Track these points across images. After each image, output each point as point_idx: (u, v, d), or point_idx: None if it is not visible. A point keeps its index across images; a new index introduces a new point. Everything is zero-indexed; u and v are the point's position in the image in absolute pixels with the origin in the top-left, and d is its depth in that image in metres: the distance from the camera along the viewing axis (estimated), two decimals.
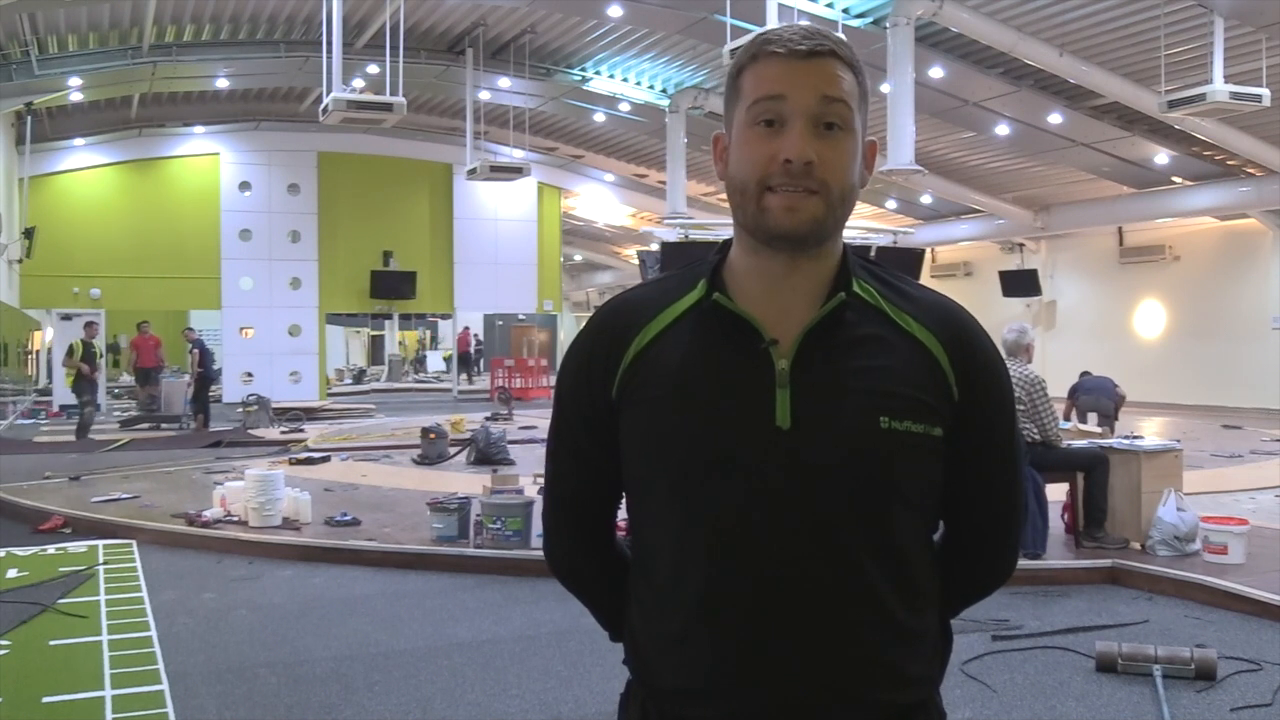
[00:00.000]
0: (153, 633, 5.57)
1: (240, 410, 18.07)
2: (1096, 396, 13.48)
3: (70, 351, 15.47)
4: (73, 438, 14.83)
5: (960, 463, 1.36)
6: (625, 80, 18.91)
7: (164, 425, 16.98)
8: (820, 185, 1.27)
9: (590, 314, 1.50)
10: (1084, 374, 14.25)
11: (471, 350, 33.97)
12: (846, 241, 1.39)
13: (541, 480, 1.62)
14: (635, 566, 1.43)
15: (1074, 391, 13.61)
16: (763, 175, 1.28)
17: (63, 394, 19.72)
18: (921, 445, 1.30)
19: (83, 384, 15.37)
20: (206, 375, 17.09)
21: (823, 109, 1.28)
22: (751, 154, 1.29)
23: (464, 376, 31.02)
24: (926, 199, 22.66)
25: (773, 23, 10.80)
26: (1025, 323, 8.03)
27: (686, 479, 1.31)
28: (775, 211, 1.28)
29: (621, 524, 1.46)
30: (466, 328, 34.26)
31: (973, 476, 1.38)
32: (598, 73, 18.67)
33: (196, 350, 16.91)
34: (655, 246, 18.63)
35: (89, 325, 16.17)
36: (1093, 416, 13.40)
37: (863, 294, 1.34)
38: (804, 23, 1.33)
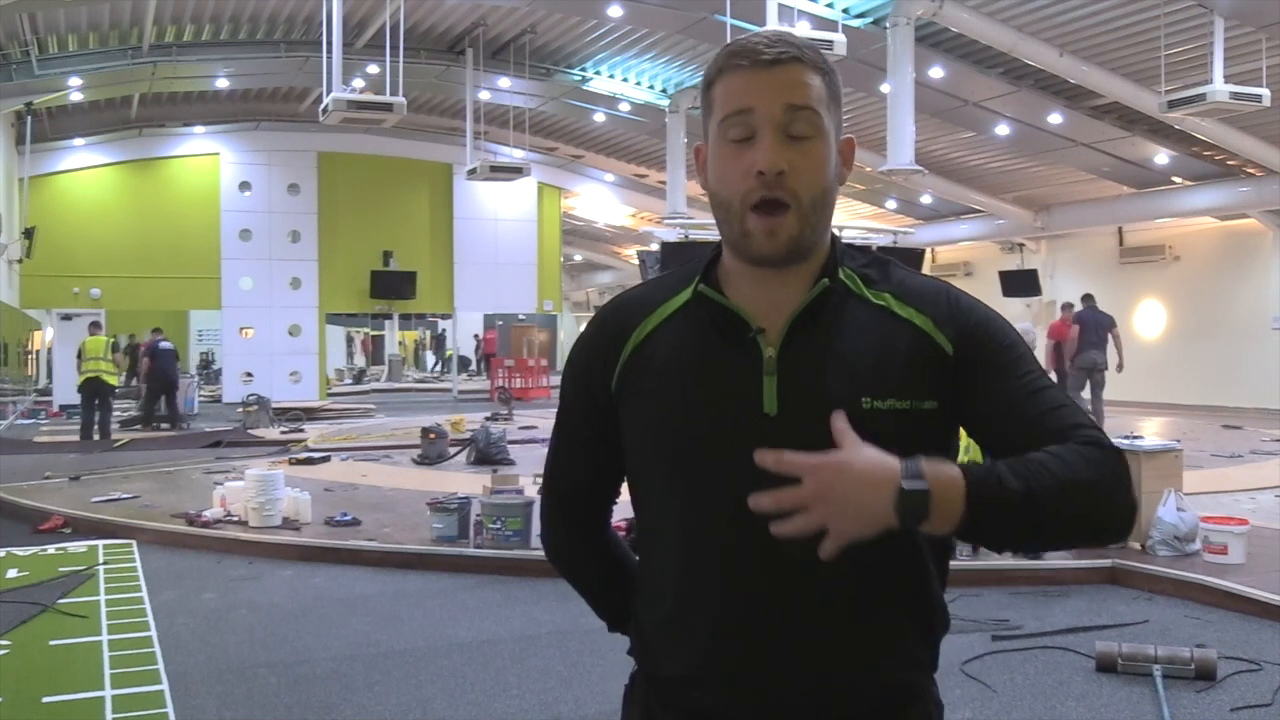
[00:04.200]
0: (153, 633, 5.57)
1: (240, 410, 18.07)
2: (1087, 353, 13.80)
3: (116, 347, 15.38)
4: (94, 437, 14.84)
5: (991, 397, 1.32)
6: (625, 80, 18.90)
7: (163, 426, 16.97)
8: (792, 196, 1.30)
9: (591, 314, 1.53)
10: (1065, 307, 14.61)
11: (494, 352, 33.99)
12: (847, 242, 1.42)
13: (542, 480, 1.64)
14: (640, 557, 1.48)
15: (1079, 323, 14.01)
16: (743, 193, 1.31)
17: (63, 394, 19.71)
18: (908, 420, 1.31)
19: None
20: (168, 379, 16.92)
21: (790, 118, 1.30)
22: (728, 172, 1.32)
23: (467, 375, 31.04)
24: (926, 199, 22.66)
25: (773, 22, 10.80)
26: (1029, 324, 8.06)
27: (681, 468, 1.35)
28: (757, 235, 1.31)
29: (622, 523, 1.48)
30: (492, 329, 34.37)
31: (1009, 400, 1.31)
32: (598, 73, 18.66)
33: (147, 359, 16.88)
34: (655, 246, 18.62)
35: (95, 325, 16.15)
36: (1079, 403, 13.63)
37: (847, 281, 1.37)
38: (775, 28, 1.34)
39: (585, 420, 1.47)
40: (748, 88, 1.31)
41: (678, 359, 1.37)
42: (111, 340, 15.37)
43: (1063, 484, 1.20)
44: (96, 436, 14.79)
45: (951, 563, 1.42)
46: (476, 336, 35.72)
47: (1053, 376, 8.48)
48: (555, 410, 1.55)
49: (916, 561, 1.37)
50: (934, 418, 1.33)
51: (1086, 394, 13.80)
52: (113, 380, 15.20)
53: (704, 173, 1.39)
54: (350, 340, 39.01)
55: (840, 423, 1.19)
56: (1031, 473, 1.19)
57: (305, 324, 22.50)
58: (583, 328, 1.52)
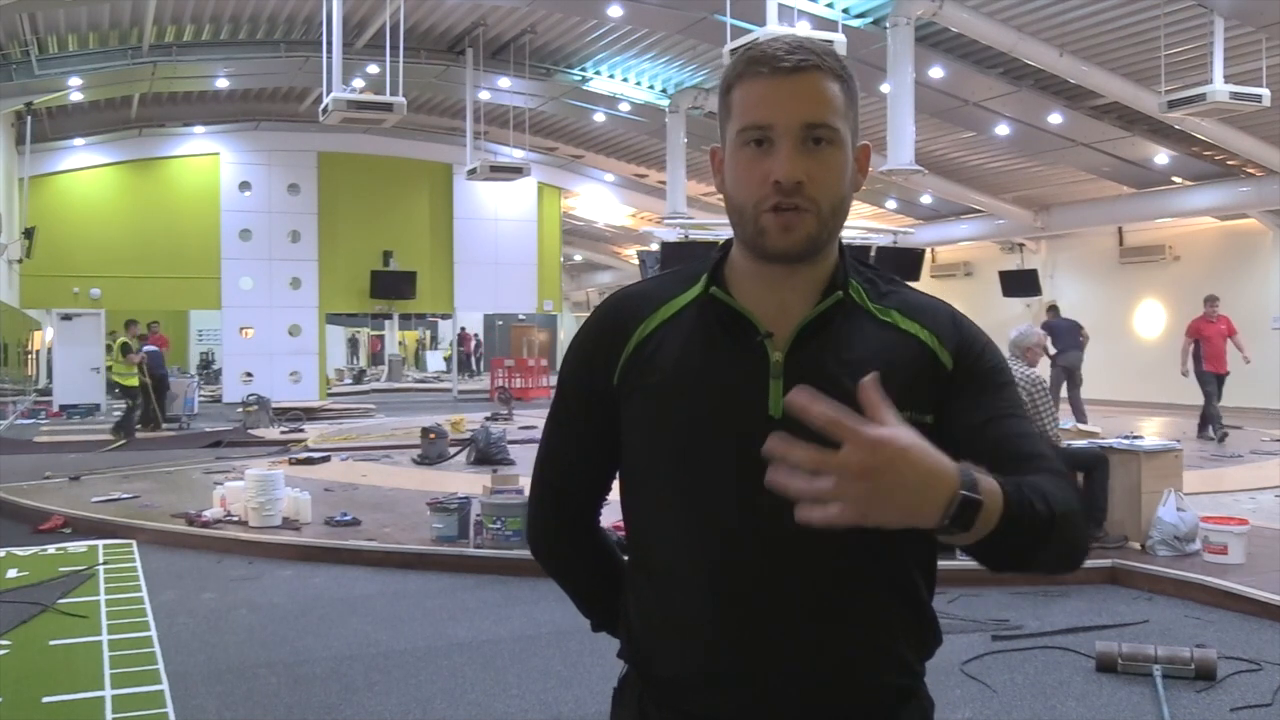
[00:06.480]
0: (153, 633, 5.57)
1: (240, 410, 18.07)
2: (1070, 353, 13.94)
3: (126, 349, 15.39)
4: (113, 436, 14.84)
5: (969, 414, 1.34)
6: (625, 80, 18.90)
7: (164, 425, 16.96)
8: (811, 203, 1.30)
9: (591, 312, 1.53)
10: (1209, 300, 13.98)
11: (470, 350, 34.29)
12: (847, 242, 1.43)
13: (533, 473, 1.63)
14: (633, 557, 1.46)
15: (1050, 331, 14.04)
16: (758, 199, 1.31)
17: (63, 394, 19.70)
18: None
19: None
20: (164, 380, 16.97)
21: (809, 131, 1.30)
22: (745, 176, 1.33)
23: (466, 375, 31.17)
24: (926, 199, 22.65)
25: (773, 22, 10.78)
26: (1030, 325, 8.08)
27: (682, 466, 1.35)
28: (772, 232, 1.31)
29: (618, 523, 1.48)
30: (463, 328, 34.52)
31: (984, 419, 1.34)
32: (598, 73, 18.66)
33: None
34: (655, 246, 18.64)
35: (132, 324, 16.08)
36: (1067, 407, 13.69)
37: (854, 294, 1.38)
38: (791, 32, 1.34)
39: (583, 413, 1.46)
40: (767, 97, 1.31)
41: (683, 357, 1.37)
42: (113, 341, 15.38)
43: (1067, 511, 1.23)
44: (129, 436, 14.92)
45: (952, 563, 1.43)
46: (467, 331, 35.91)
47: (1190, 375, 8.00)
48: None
49: (913, 570, 1.38)
50: (928, 431, 1.32)
51: (1063, 392, 13.98)
52: (122, 381, 15.29)
53: (719, 175, 1.39)
54: (355, 343, 39.04)
55: (874, 391, 1.09)
56: (1048, 497, 1.20)
57: (305, 324, 22.51)
58: (584, 321, 1.52)
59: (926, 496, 1.09)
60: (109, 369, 15.15)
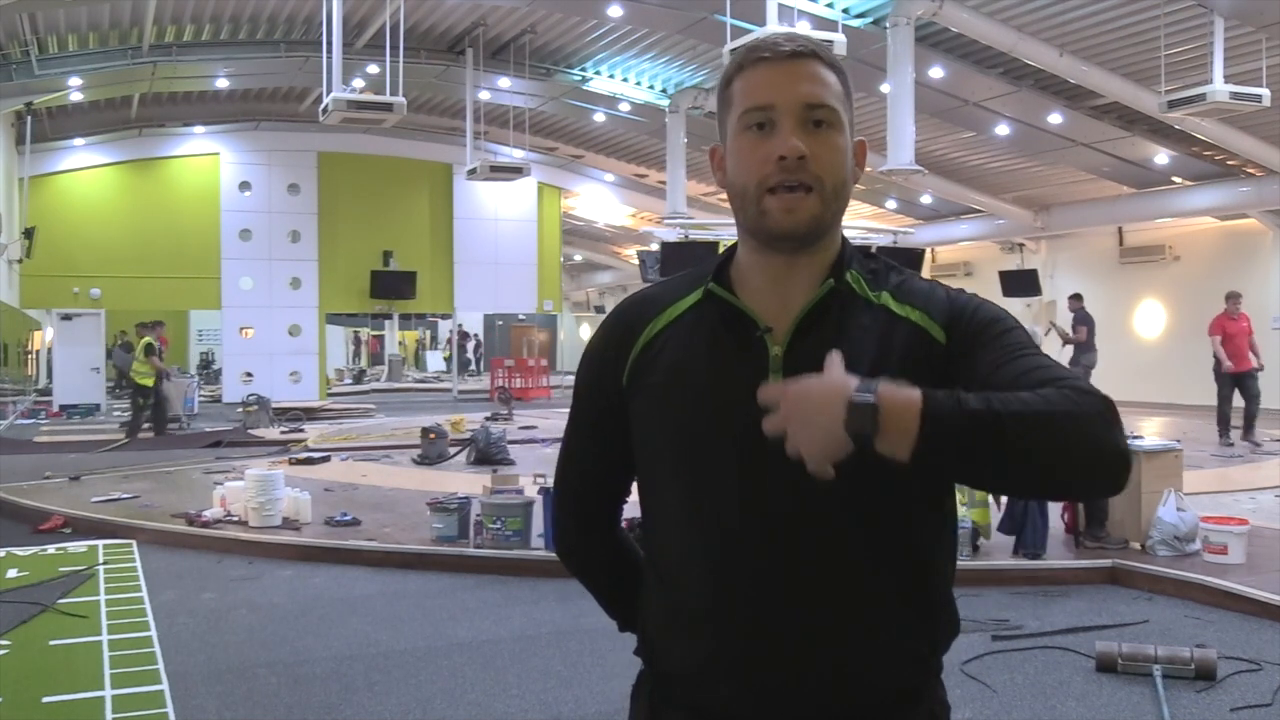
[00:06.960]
0: (153, 633, 5.57)
1: (240, 410, 18.07)
2: (1090, 354, 14.05)
3: (150, 350, 15.33)
4: (132, 436, 14.90)
5: (976, 372, 1.30)
6: (625, 80, 18.91)
7: (170, 428, 16.94)
8: (815, 180, 1.32)
9: (591, 314, 1.55)
10: (1231, 297, 13.32)
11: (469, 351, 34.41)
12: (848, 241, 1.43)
13: (542, 480, 1.65)
14: (647, 555, 1.49)
15: (1088, 322, 14.28)
16: (760, 178, 1.33)
17: (63, 394, 19.71)
18: None
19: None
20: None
21: (810, 112, 1.33)
22: (747, 158, 1.34)
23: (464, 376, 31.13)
24: (926, 199, 22.66)
25: (773, 22, 10.79)
26: (1035, 326, 8.08)
27: (686, 463, 1.37)
28: (775, 214, 1.33)
29: (626, 522, 1.49)
30: (459, 324, 34.62)
31: (989, 371, 1.29)
32: (598, 73, 18.67)
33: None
34: (655, 246, 18.64)
35: (158, 325, 16.04)
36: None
37: (852, 283, 1.38)
38: (788, 28, 1.35)
39: (598, 416, 1.49)
40: (768, 81, 1.33)
41: (686, 356, 1.39)
42: (133, 342, 15.37)
43: (1033, 411, 1.15)
44: (151, 434, 15.02)
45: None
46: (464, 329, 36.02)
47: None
48: (555, 411, 1.56)
49: (920, 559, 1.37)
50: None
51: None
52: (139, 380, 15.26)
53: (720, 171, 1.41)
54: (359, 341, 39.03)
55: (830, 355, 1.20)
56: (997, 397, 1.16)
57: (305, 324, 22.51)
58: (585, 326, 1.54)
59: (825, 416, 1.14)
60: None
